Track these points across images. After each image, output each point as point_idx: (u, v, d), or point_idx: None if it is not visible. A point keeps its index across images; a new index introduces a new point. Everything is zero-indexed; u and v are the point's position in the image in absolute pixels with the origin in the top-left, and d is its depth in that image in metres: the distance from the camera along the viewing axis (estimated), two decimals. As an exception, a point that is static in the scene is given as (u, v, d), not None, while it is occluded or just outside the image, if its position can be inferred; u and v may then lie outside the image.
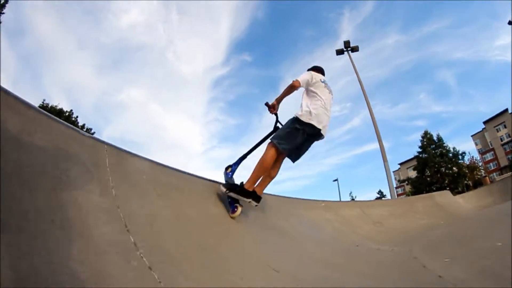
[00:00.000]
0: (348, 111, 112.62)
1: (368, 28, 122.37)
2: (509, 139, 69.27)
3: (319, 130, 3.56)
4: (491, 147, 73.80)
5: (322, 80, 3.88)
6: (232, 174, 3.74)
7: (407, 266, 3.63)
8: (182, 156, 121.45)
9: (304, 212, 5.95)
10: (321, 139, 3.76)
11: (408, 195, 39.62)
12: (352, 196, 53.46)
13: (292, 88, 3.73)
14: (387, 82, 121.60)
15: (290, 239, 4.28)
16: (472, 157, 43.43)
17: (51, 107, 28.41)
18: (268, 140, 3.59)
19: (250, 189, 3.38)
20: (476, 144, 77.78)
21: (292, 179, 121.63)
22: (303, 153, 3.74)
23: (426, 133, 40.22)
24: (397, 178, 58.55)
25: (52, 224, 1.53)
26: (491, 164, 72.73)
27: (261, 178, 3.51)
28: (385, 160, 15.58)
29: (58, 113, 27.88)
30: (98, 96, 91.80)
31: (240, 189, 3.36)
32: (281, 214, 5.07)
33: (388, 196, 51.11)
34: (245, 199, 3.34)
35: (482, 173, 50.43)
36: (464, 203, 17.41)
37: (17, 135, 1.69)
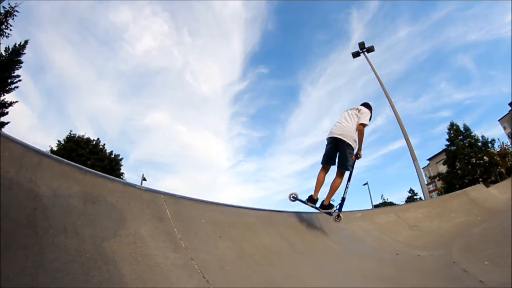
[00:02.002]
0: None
1: (379, 24, 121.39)
2: (544, 114, 66.01)
3: (329, 137, 4.52)
4: (520, 131, 70.42)
5: (346, 110, 4.79)
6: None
7: (449, 272, 3.90)
8: (210, 173, 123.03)
9: (343, 225, 6.19)
10: (342, 143, 4.36)
11: (441, 191, 38.53)
12: (384, 198, 52.53)
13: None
14: (405, 75, 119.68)
15: (339, 257, 4.54)
16: (503, 143, 41.74)
17: (78, 136, 29.19)
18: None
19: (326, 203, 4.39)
20: (505, 128, 74.06)
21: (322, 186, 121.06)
22: (334, 158, 4.54)
23: (452, 124, 39.26)
24: (427, 175, 56.80)
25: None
26: (520, 149, 69.24)
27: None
28: (414, 159, 15.49)
29: (86, 142, 28.75)
30: (122, 122, 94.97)
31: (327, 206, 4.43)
32: (324, 231, 5.38)
33: (420, 195, 50.14)
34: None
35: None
36: (499, 194, 17.01)
37: (83, 207, 1.85)
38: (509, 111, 72.93)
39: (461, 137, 37.76)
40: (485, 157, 35.01)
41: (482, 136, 36.95)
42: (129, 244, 1.90)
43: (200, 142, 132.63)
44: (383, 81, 17.58)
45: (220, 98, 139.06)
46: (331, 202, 4.47)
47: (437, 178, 41.00)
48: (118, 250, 1.79)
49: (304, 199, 4.32)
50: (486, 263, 3.85)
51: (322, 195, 4.62)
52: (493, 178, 34.85)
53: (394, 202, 50.46)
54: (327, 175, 4.62)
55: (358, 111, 4.52)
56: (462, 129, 38.25)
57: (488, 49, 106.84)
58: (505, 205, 12.66)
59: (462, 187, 29.88)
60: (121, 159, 31.56)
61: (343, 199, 4.47)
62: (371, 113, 4.55)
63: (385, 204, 49.90)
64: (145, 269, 1.79)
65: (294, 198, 4.34)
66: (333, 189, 4.33)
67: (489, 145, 36.29)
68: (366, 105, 4.68)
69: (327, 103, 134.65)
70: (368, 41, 19.62)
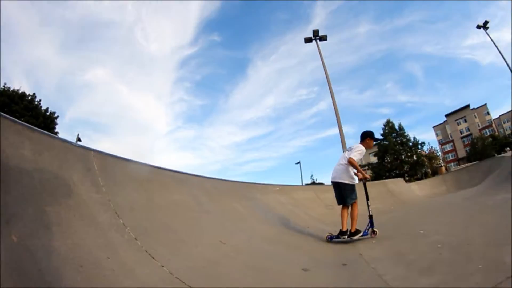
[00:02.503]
0: (315, 95, 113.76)
1: (342, 15, 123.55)
2: (468, 132, 73.71)
3: (331, 182, 5.02)
4: (450, 138, 78.36)
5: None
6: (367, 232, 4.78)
7: (342, 246, 4.35)
8: (148, 137, 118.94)
9: (260, 196, 6.40)
10: (338, 184, 4.87)
11: (369, 180, 41.41)
12: (313, 179, 54.93)
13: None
14: (356, 69, 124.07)
15: (243, 220, 4.74)
16: (431, 147, 45.89)
17: (13, 90, 26.58)
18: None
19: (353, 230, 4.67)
20: (437, 135, 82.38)
21: (257, 161, 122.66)
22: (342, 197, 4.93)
23: (388, 121, 41.50)
24: (360, 163, 60.61)
25: (74, 217, 2.26)
26: (449, 154, 77.31)
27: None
28: (344, 146, 16.01)
29: (21, 97, 26.31)
30: (61, 77, 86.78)
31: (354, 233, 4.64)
32: (238, 198, 5.53)
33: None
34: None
35: (441, 162, 53.50)
36: (418, 190, 18.64)
37: (32, 156, 2.37)
38: (443, 121, 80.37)
39: (395, 134, 40.18)
40: (414, 156, 38.16)
41: (414, 138, 39.84)
42: (65, 185, 2.48)
43: (141, 104, 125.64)
44: (334, 69, 18.23)
45: (167, 60, 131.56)
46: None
47: (367, 167, 43.84)
48: (57, 189, 2.39)
49: (332, 237, 4.75)
50: (373, 242, 4.30)
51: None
52: (418, 176, 38.23)
53: (323, 183, 53.09)
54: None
55: (349, 151, 4.94)
56: (397, 127, 40.71)
57: (440, 63, 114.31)
58: (418, 199, 13.95)
59: (387, 178, 32.44)
60: (56, 117, 29.27)
61: (370, 217, 4.87)
62: (370, 136, 5.01)
63: (314, 184, 52.36)
64: (75, 203, 2.40)
65: (330, 237, 4.75)
66: (354, 219, 4.76)
67: (419, 146, 39.51)
68: (364, 134, 5.06)
69: (274, 81, 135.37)
70: (327, 30, 19.97)
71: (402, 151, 37.80)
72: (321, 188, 9.97)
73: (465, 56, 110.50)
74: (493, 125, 76.61)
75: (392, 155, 38.05)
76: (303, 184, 42.83)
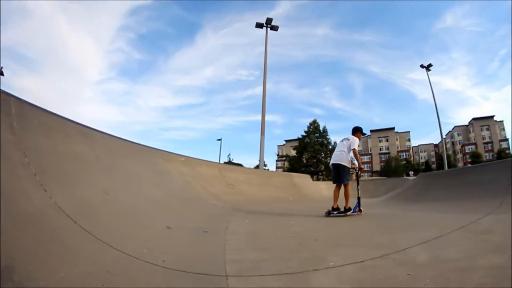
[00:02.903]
0: (254, 79, 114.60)
1: (306, 12, 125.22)
2: (387, 151, 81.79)
3: (331, 164, 5.92)
4: (370, 152, 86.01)
5: (341, 140, 6.05)
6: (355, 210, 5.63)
7: (225, 218, 4.82)
8: (75, 82, 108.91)
9: (162, 162, 6.51)
10: (337, 166, 5.66)
11: (284, 170, 43.61)
12: (230, 158, 56.17)
13: None
14: (302, 65, 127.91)
15: (135, 179, 4.89)
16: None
17: None
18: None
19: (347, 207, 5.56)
20: (358, 146, 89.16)
21: (181, 130, 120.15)
22: (338, 177, 5.71)
23: (315, 121, 42.97)
24: (280, 153, 62.45)
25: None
26: (365, 165, 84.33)
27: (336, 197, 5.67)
28: (262, 133, 16.65)
29: None
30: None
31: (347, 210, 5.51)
32: (138, 160, 5.63)
33: (269, 166, 55.88)
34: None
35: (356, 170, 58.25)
36: (325, 189, 20.27)
37: None
38: (368, 135, 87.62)
39: (318, 134, 41.90)
40: (329, 159, 40.72)
41: (335, 142, 41.91)
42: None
43: (77, 44, 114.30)
44: (281, 59, 18.82)
45: (118, 4, 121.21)
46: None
47: (285, 158, 45.60)
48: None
49: (330, 212, 5.51)
50: (246, 221, 4.83)
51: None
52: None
53: (242, 165, 54.65)
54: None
55: (348, 140, 5.74)
56: (321, 129, 42.37)
57: (380, 85, 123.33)
58: (320, 197, 15.20)
59: (301, 172, 34.50)
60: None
61: (358, 198, 5.64)
62: (360, 131, 5.98)
63: (230, 163, 53.94)
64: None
65: (329, 212, 5.50)
66: (348, 197, 5.51)
67: None
68: (355, 129, 5.99)
69: (218, 54, 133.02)
70: (287, 21, 20.26)
71: (320, 151, 40.07)
72: (226, 167, 10.38)
73: (405, 86, 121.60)
74: (411, 151, 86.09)
75: (311, 152, 40.17)
76: (220, 162, 43.57)
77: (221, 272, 2.10)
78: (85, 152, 4.16)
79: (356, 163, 5.94)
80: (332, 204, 5.52)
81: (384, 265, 2.25)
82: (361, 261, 2.34)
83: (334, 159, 5.77)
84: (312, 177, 39.23)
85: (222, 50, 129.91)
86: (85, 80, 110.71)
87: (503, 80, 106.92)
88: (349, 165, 5.67)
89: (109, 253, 2.14)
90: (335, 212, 5.39)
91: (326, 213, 5.54)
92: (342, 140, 5.91)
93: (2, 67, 24.60)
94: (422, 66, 30.42)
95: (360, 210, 5.52)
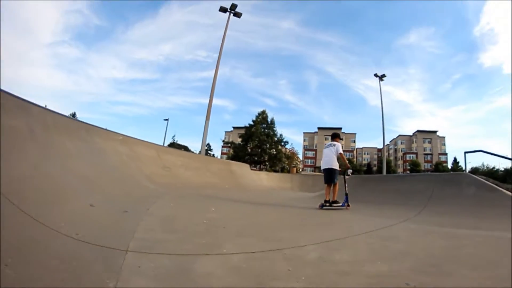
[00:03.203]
0: (211, 61, 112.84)
1: (275, 3, 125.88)
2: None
3: (322, 169, 6.87)
4: (315, 148, 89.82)
5: (325, 146, 7.09)
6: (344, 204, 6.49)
7: (152, 200, 5.13)
8: (25, 41, 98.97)
9: (99, 140, 6.60)
10: (328, 170, 6.71)
11: (229, 157, 44.14)
12: (174, 139, 56.42)
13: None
14: (261, 54, 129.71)
15: (66, 156, 4.99)
16: (293, 148, 52.16)
17: None
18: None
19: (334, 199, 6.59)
20: (304, 140, 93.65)
21: (130, 105, 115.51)
22: (328, 178, 6.74)
23: (263, 112, 44.06)
24: (227, 139, 62.62)
25: None
26: (310, 160, 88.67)
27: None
28: (207, 118, 17.08)
29: None
30: None
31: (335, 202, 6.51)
32: (73, 137, 5.68)
33: (215, 152, 55.97)
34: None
35: (297, 163, 60.81)
36: (266, 180, 21.10)
37: None
38: (315, 131, 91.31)
39: (265, 125, 43.01)
40: (273, 150, 42.23)
41: (281, 135, 43.52)
42: None
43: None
44: (242, 46, 18.77)
45: None
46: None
47: (230, 145, 46.35)
48: None
49: (323, 205, 6.45)
50: (171, 205, 5.20)
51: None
52: (277, 169, 42.73)
53: (188, 147, 54.37)
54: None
55: (334, 146, 6.78)
56: (269, 120, 43.58)
57: (335, 85, 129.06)
58: (257, 186, 15.88)
59: (245, 161, 35.28)
60: None
61: (346, 194, 6.46)
62: (339, 136, 7.13)
63: (174, 145, 53.60)
64: None
65: (322, 205, 6.44)
66: (335, 193, 6.55)
67: (283, 143, 43.75)
68: (335, 135, 7.17)
69: (180, 31, 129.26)
70: (255, 9, 20.29)
71: (266, 142, 41.11)
72: (164, 149, 10.53)
73: (359, 91, 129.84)
74: (355, 152, 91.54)
75: (256, 142, 41.13)
76: (164, 143, 42.82)
77: (123, 247, 2.35)
78: (20, 126, 4.19)
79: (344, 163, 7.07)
80: (323, 200, 6.61)
81: (271, 258, 2.42)
82: (253, 252, 2.55)
83: (326, 164, 6.76)
84: (255, 167, 40.37)
85: (184, 27, 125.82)
86: (36, 40, 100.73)
87: (452, 101, 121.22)
88: (337, 168, 6.68)
89: (32, 225, 2.46)
90: (327, 204, 6.39)
91: (319, 205, 6.50)
92: (328, 147, 6.90)
93: None
94: (376, 75, 32.59)
95: (348, 205, 6.47)
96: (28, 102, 4.83)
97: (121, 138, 7.64)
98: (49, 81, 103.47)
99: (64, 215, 3.05)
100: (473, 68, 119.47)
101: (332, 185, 6.57)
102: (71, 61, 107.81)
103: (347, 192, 6.52)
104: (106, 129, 7.33)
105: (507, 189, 6.58)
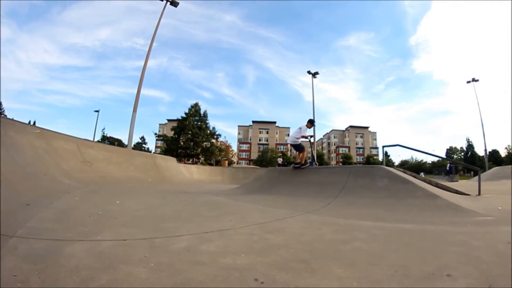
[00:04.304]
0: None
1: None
2: (266, 142, 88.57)
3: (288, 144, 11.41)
4: (249, 141, 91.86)
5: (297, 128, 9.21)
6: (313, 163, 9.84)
7: (60, 195, 5.30)
8: None
9: (13, 134, 6.56)
10: (292, 145, 9.30)
11: (162, 150, 43.66)
12: (103, 132, 54.25)
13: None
14: (200, 46, 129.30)
15: None
16: (226, 141, 53.22)
17: None
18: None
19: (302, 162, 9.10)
20: (239, 133, 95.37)
21: (62, 94, 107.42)
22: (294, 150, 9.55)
23: (196, 104, 44.06)
24: (161, 131, 62.25)
25: None
26: (244, 153, 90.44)
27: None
28: (134, 110, 16.90)
29: None
30: None
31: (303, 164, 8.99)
32: None
33: (150, 146, 54.09)
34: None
35: (233, 156, 61.75)
36: (196, 173, 21.43)
37: None
38: (250, 125, 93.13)
39: (197, 118, 42.99)
40: (206, 143, 42.46)
41: (214, 128, 43.63)
42: None
43: None
44: (181, 36, 18.87)
45: None
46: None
47: (162, 138, 45.47)
48: None
49: (294, 166, 9.03)
50: (76, 198, 5.39)
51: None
52: (211, 162, 43.04)
53: (122, 141, 52.44)
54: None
55: (300, 129, 8.81)
56: (202, 113, 43.67)
57: (272, 80, 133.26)
58: (183, 178, 16.21)
59: (178, 154, 35.14)
60: None
61: (312, 157, 10.58)
62: (310, 122, 9.04)
63: (105, 138, 52.16)
64: None
65: (294, 166, 9.06)
66: (303, 157, 8.93)
67: (215, 136, 44.03)
68: (310, 120, 9.09)
69: (119, 16, 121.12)
70: (196, 2, 19.73)
71: (198, 135, 41.21)
72: (86, 143, 10.30)
73: (295, 87, 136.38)
74: (288, 145, 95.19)
75: (187, 135, 41.15)
76: (94, 137, 40.66)
77: (11, 234, 2.58)
78: None
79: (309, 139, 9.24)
80: None
81: (137, 246, 2.57)
82: (124, 240, 2.70)
83: (290, 140, 9.35)
84: (188, 160, 40.12)
85: (124, 12, 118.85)
86: None
87: (384, 100, 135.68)
88: (298, 142, 8.92)
89: None
90: (297, 165, 8.87)
91: (292, 166, 9.08)
92: (297, 128, 8.96)
93: None
94: (309, 72, 34.48)
95: (316, 163, 9.86)
96: None
97: (38, 131, 7.56)
98: None
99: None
100: (406, 73, 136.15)
101: (300, 153, 8.91)
102: (6, 41, 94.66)
103: (313, 153, 10.48)
104: (22, 122, 7.27)
105: (424, 180, 7.20)
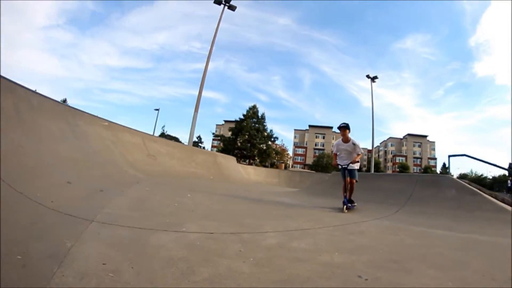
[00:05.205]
0: (206, 53, 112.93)
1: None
2: (322, 147, 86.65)
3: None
4: (305, 145, 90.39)
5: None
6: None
7: (129, 184, 5.29)
8: (19, 23, 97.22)
9: (82, 124, 6.74)
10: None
11: (218, 150, 44.34)
12: (163, 130, 56.39)
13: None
14: (255, 49, 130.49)
15: (49, 138, 5.17)
16: (283, 144, 52.57)
17: None
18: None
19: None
20: (295, 137, 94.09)
21: (122, 93, 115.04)
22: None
23: (254, 106, 43.70)
24: (218, 132, 63.34)
25: None
26: (299, 157, 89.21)
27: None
28: (196, 110, 17.23)
29: None
30: None
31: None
32: (58, 119, 5.86)
33: (205, 144, 55.57)
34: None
35: (287, 159, 61.09)
36: (253, 173, 21.27)
37: None
38: (306, 129, 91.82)
39: (255, 120, 42.69)
40: (263, 145, 42.30)
41: (271, 130, 43.46)
42: None
43: None
44: (237, 39, 18.99)
45: None
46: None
47: (220, 138, 46.02)
48: None
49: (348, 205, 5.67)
50: (146, 189, 5.33)
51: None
52: (267, 164, 42.83)
53: (179, 139, 54.31)
54: None
55: (354, 145, 5.84)
56: (259, 115, 43.29)
57: (328, 83, 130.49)
58: (242, 179, 16.00)
59: (234, 154, 35.23)
60: None
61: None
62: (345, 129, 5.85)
63: (164, 135, 53.58)
64: None
65: (347, 205, 5.59)
66: (352, 188, 5.79)
67: (272, 139, 43.86)
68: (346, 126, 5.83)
69: (176, 21, 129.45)
70: (251, 2, 20.27)
71: (256, 136, 40.95)
72: (150, 137, 10.57)
73: (352, 91, 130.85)
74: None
75: (245, 136, 41.04)
76: (154, 134, 42.83)
77: (89, 218, 2.55)
78: (6, 106, 4.37)
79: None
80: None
81: (228, 239, 2.52)
82: (211, 233, 2.66)
83: (344, 160, 5.96)
84: (244, 161, 40.38)
85: (181, 18, 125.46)
86: (30, 23, 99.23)
87: (443, 107, 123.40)
88: (356, 167, 6.07)
89: (11, 194, 2.69)
90: (351, 204, 5.76)
91: (344, 207, 5.52)
92: (350, 143, 5.97)
93: None
94: (368, 76, 32.61)
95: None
96: (14, 83, 4.94)
97: (106, 123, 7.75)
98: (40, 65, 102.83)
99: (41, 188, 3.26)
100: (466, 77, 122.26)
101: (353, 181, 5.82)
102: (64, 46, 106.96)
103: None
104: (91, 114, 7.43)
105: (490, 195, 6.34)
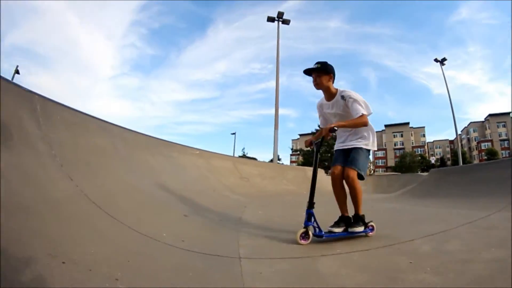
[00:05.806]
0: (267, 72, 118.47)
1: (318, 5, 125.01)
2: (402, 146, 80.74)
3: None
4: (384, 147, 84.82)
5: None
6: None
7: (239, 209, 4.96)
8: (88, 77, 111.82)
9: (177, 155, 6.74)
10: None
11: (298, 165, 43.73)
12: (244, 152, 56.85)
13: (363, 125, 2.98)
14: (314, 58, 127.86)
15: (150, 170, 5.12)
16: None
17: None
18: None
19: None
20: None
21: (195, 123, 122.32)
22: None
23: None
24: (294, 147, 62.90)
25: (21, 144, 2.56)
26: (380, 160, 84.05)
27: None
28: (276, 127, 17.02)
29: None
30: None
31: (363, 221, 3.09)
32: (154, 153, 5.84)
33: (283, 160, 55.26)
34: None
35: (370, 165, 57.83)
36: None
37: None
38: (382, 129, 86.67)
39: None
40: None
41: None
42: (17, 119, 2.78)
43: (89, 40, 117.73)
44: (293, 52, 18.81)
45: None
46: None
47: (299, 152, 45.56)
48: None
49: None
50: (259, 212, 4.99)
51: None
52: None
53: (257, 159, 54.83)
54: None
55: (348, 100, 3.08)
56: None
57: (395, 78, 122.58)
58: (330, 189, 15.25)
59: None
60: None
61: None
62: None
63: (245, 157, 54.13)
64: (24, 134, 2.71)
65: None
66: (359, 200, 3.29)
67: None
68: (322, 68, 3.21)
69: (231, 48, 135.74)
70: (299, 14, 20.29)
71: (334, 145, 39.59)
72: (240, 160, 10.57)
73: (420, 80, 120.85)
74: (426, 147, 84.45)
75: (325, 147, 39.99)
76: (234, 156, 43.94)
77: (234, 255, 2.27)
78: (104, 144, 4.39)
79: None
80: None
81: (387, 254, 2.36)
82: (367, 250, 2.47)
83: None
84: (326, 173, 39.02)
85: (234, 44, 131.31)
86: (99, 76, 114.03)
87: None
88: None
89: (130, 234, 2.32)
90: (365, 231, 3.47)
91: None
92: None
93: (17, 66, 25.44)
94: (436, 60, 29.86)
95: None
96: (107, 122, 5.00)
97: (197, 152, 7.74)
98: (116, 110, 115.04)
99: (160, 225, 2.92)
100: None
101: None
102: (133, 90, 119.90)
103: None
104: (182, 145, 7.44)
105: None
